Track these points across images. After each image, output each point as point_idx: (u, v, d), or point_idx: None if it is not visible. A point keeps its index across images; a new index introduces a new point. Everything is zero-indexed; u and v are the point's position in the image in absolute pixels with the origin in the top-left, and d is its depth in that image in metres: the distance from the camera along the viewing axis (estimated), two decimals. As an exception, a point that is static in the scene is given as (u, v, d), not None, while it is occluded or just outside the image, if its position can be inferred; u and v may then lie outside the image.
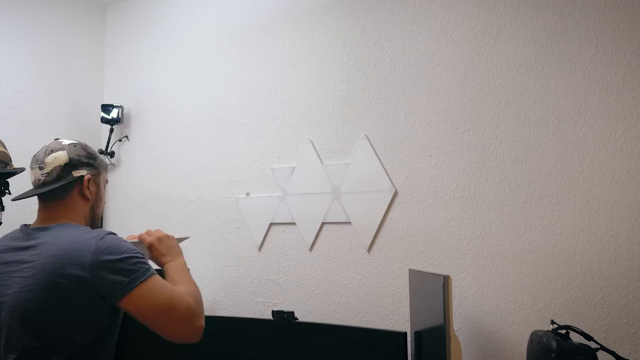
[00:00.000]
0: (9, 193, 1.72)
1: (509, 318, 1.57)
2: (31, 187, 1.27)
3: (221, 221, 2.19)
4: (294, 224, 2.00)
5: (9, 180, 1.78)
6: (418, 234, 1.74)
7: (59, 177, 1.27)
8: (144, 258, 1.16)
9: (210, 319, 1.89)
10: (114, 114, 2.48)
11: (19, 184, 2.22)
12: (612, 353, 1.26)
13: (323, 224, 1.93)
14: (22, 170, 1.73)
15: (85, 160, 1.33)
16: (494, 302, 1.59)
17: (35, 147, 2.37)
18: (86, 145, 1.36)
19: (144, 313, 1.11)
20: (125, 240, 1.18)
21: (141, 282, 1.10)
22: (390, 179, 1.80)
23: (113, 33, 2.68)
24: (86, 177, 1.31)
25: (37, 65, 2.41)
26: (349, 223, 1.87)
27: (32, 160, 1.32)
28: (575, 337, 1.26)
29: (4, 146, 1.75)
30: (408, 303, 1.63)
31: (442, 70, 1.73)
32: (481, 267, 1.62)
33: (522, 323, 1.54)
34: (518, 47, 1.61)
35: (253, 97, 2.16)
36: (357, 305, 1.84)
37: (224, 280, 2.16)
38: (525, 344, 1.34)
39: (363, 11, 1.90)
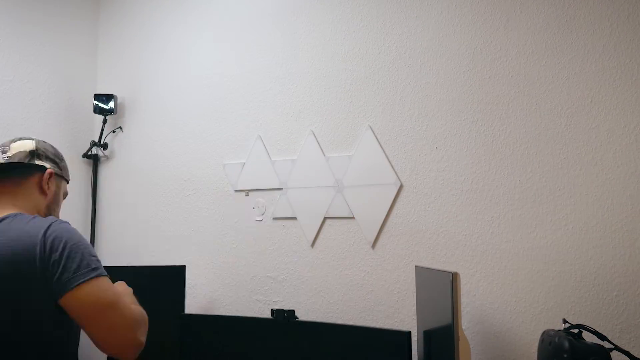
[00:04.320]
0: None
1: (519, 317, 1.52)
2: None
3: (219, 216, 2.14)
4: (294, 218, 1.94)
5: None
6: (424, 229, 1.69)
7: (20, 162, 1.23)
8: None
9: (207, 318, 1.88)
10: (108, 104, 2.42)
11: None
12: (627, 353, 1.22)
13: (325, 218, 1.87)
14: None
15: (51, 156, 1.29)
16: (503, 300, 1.55)
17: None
18: (56, 148, 1.33)
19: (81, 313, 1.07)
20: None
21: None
22: (395, 172, 1.75)
23: (107, 20, 2.61)
24: (48, 171, 1.25)
25: (27, 53, 2.34)
26: (353, 218, 1.81)
27: None
28: (588, 337, 1.22)
29: (-9, 138, 1.68)
30: (414, 301, 1.58)
31: (449, 58, 1.68)
32: (490, 263, 1.58)
33: (532, 322, 1.50)
34: (528, 34, 1.56)
35: (252, 86, 2.10)
36: (361, 303, 1.79)
37: (222, 277, 2.11)
38: (536, 344, 1.29)
39: (367, -3, 1.85)
